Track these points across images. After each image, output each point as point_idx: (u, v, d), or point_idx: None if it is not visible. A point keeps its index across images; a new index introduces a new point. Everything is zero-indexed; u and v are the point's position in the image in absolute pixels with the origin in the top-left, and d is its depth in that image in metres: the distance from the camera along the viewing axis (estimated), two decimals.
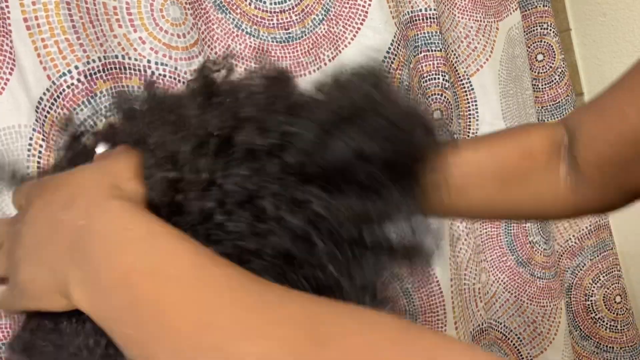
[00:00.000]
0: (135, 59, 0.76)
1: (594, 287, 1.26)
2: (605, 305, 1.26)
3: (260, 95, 0.39)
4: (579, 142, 0.51)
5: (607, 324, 1.26)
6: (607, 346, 1.26)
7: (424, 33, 0.98)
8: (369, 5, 0.91)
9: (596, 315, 1.26)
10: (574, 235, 1.26)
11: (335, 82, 0.42)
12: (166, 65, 0.77)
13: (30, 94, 0.71)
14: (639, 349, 1.27)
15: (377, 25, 0.91)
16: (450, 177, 0.49)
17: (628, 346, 1.26)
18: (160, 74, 0.77)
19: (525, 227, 1.14)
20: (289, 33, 0.89)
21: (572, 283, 1.26)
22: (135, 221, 0.33)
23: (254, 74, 0.42)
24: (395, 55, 0.92)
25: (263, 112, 0.37)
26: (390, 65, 0.92)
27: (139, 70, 0.76)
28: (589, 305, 1.27)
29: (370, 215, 0.37)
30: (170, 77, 0.77)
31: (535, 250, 1.15)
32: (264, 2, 0.88)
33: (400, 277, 0.39)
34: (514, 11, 1.14)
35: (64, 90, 0.70)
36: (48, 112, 0.71)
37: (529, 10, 1.21)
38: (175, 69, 0.77)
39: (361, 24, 0.91)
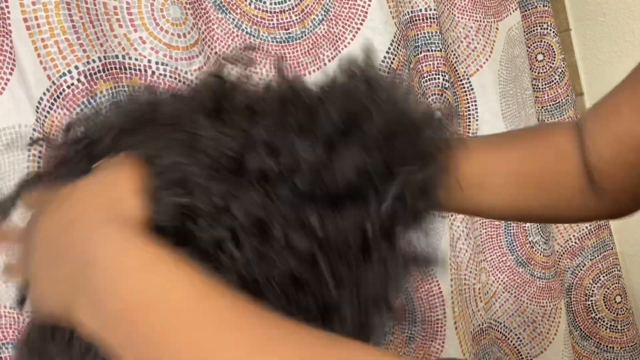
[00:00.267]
0: (136, 59, 0.76)
1: (594, 287, 1.26)
2: (605, 305, 1.26)
3: (273, 111, 0.38)
4: (585, 145, 0.51)
5: (607, 324, 1.26)
6: (607, 346, 1.26)
7: (424, 33, 0.98)
8: (369, 5, 0.91)
9: (596, 315, 1.26)
10: (574, 235, 1.26)
11: (336, 85, 0.42)
12: (166, 65, 0.77)
13: (30, 94, 0.71)
14: (639, 348, 1.27)
15: (377, 25, 0.91)
16: (478, 175, 0.48)
17: (628, 346, 1.26)
18: (160, 74, 0.77)
19: (525, 227, 1.14)
20: (289, 33, 0.89)
21: (572, 283, 1.26)
22: (133, 249, 0.33)
23: (268, 84, 0.41)
24: (395, 55, 0.92)
25: (275, 134, 0.36)
26: (390, 65, 0.92)
27: (140, 70, 0.77)
28: (589, 305, 1.27)
29: (372, 226, 0.37)
30: (170, 77, 0.77)
31: (535, 250, 1.15)
32: (264, 2, 0.88)
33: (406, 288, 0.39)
34: (513, 11, 1.14)
35: (64, 90, 0.70)
36: (48, 112, 0.71)
37: (528, 10, 1.21)
38: (176, 68, 0.77)
39: (361, 24, 0.91)
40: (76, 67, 0.71)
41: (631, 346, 1.26)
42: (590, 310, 1.26)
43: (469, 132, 1.10)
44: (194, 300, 0.31)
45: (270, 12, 0.88)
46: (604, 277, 1.26)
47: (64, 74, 0.70)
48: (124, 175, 0.36)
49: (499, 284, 1.13)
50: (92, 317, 0.32)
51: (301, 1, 0.89)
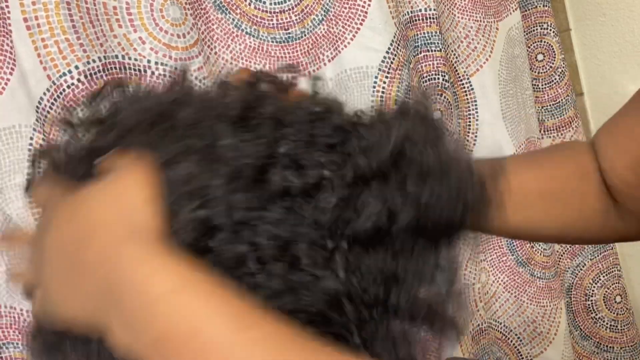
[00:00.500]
0: (135, 59, 0.76)
1: (594, 287, 1.26)
2: (605, 305, 1.26)
3: (302, 125, 0.36)
4: (602, 168, 0.50)
5: (607, 323, 1.26)
6: (607, 346, 1.26)
7: (424, 33, 0.98)
8: (369, 5, 0.91)
9: (596, 315, 1.26)
10: None
11: (379, 119, 0.39)
12: (166, 65, 0.77)
13: (30, 94, 0.71)
14: (639, 349, 1.27)
15: (377, 25, 0.91)
16: (518, 193, 0.48)
17: (628, 346, 1.26)
18: (160, 74, 0.77)
19: None
20: (289, 33, 0.89)
21: (572, 283, 1.26)
22: (163, 271, 0.31)
23: (304, 98, 0.39)
24: (395, 55, 0.92)
25: (302, 149, 0.35)
26: (390, 66, 0.92)
27: (139, 70, 0.77)
28: (589, 305, 1.27)
29: (399, 277, 0.35)
30: (170, 77, 0.77)
31: (535, 250, 1.15)
32: (264, 3, 0.88)
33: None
34: (513, 11, 1.14)
35: (64, 90, 0.70)
36: (48, 112, 0.71)
37: (529, 10, 1.21)
38: (175, 69, 0.77)
39: (361, 24, 0.91)
40: (76, 67, 0.71)
41: (631, 346, 1.26)
42: (590, 310, 1.26)
43: (469, 132, 1.10)
44: (234, 331, 0.30)
45: (270, 12, 0.88)
46: (604, 277, 1.26)
47: (64, 74, 0.70)
48: (136, 179, 0.34)
49: (499, 284, 1.13)
50: (127, 341, 0.31)
51: (301, 1, 0.89)
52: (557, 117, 1.23)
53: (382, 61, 0.92)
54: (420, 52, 0.98)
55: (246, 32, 0.87)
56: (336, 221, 0.34)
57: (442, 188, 0.37)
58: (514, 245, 1.14)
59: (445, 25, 1.06)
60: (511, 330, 1.14)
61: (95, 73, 0.72)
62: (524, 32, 1.17)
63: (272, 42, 0.88)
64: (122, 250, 0.32)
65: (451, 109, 1.02)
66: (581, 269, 1.26)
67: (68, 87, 0.70)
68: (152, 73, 0.77)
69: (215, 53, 0.84)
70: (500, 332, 1.14)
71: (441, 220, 0.37)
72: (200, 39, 0.81)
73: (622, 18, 1.26)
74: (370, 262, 0.35)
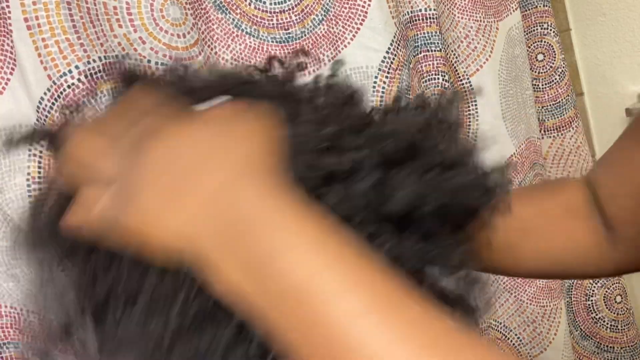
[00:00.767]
0: (136, 59, 0.76)
1: (594, 287, 1.26)
2: (605, 305, 1.26)
3: (333, 108, 0.37)
4: (602, 199, 0.50)
5: (607, 323, 1.26)
6: (607, 346, 1.26)
7: (424, 33, 0.98)
8: (369, 5, 0.91)
9: (596, 315, 1.26)
10: None
11: (398, 110, 0.41)
12: (166, 65, 0.77)
13: (31, 94, 0.71)
14: (639, 349, 1.27)
15: (377, 25, 0.91)
16: (498, 232, 0.47)
17: (628, 346, 1.26)
18: (160, 74, 0.77)
19: None
20: (289, 33, 0.89)
21: (573, 283, 1.26)
22: (297, 218, 0.30)
23: (321, 80, 0.41)
24: (395, 55, 0.92)
25: (339, 132, 0.36)
26: (390, 66, 0.92)
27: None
28: (589, 305, 1.26)
29: (428, 260, 0.36)
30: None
31: None
32: (264, 3, 0.88)
33: None
34: (514, 11, 1.15)
35: (64, 90, 0.71)
36: (49, 112, 0.71)
37: (529, 10, 1.21)
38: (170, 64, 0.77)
39: (361, 24, 0.91)
40: (77, 67, 0.71)
41: (631, 346, 1.26)
42: (591, 310, 1.26)
43: (469, 132, 1.10)
44: (373, 294, 0.29)
45: (270, 12, 0.88)
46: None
47: (65, 74, 0.70)
48: (265, 125, 0.33)
49: (499, 284, 1.13)
50: (238, 281, 0.30)
51: (301, 1, 0.89)
52: (557, 117, 1.23)
53: (382, 61, 0.92)
54: (420, 52, 0.99)
55: (246, 32, 0.87)
56: (368, 204, 0.34)
57: (467, 174, 0.38)
58: None
59: (445, 25, 1.06)
60: (511, 330, 1.14)
61: (95, 73, 0.72)
62: (524, 32, 1.18)
63: (272, 42, 0.88)
64: (246, 186, 0.31)
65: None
66: None
67: (68, 87, 0.70)
68: (152, 73, 0.77)
69: (216, 53, 0.85)
70: (500, 332, 1.14)
71: (466, 205, 0.38)
72: (201, 39, 0.81)
73: (622, 18, 1.26)
74: (401, 245, 0.35)
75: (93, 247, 0.34)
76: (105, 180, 0.34)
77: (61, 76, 0.70)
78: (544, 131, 1.24)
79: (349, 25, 0.91)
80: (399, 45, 0.93)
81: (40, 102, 0.71)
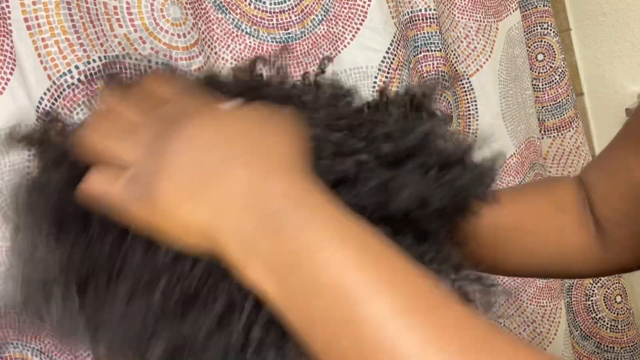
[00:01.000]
0: (136, 59, 0.76)
1: (594, 287, 1.26)
2: (605, 305, 1.26)
3: (326, 109, 0.37)
4: (593, 200, 0.51)
5: (607, 323, 1.26)
6: (607, 346, 1.26)
7: (424, 33, 0.98)
8: (369, 5, 0.91)
9: (597, 315, 1.26)
10: None
11: (386, 103, 0.41)
12: (166, 65, 0.77)
13: (30, 94, 0.71)
14: (639, 349, 1.27)
15: (377, 25, 0.91)
16: (489, 229, 0.48)
17: (628, 346, 1.26)
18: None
19: None
20: (289, 33, 0.89)
21: (573, 283, 1.26)
22: (332, 217, 0.30)
23: (309, 79, 0.40)
24: (395, 55, 0.92)
25: (337, 134, 0.36)
26: (390, 66, 0.92)
27: (139, 71, 0.77)
28: (589, 305, 1.26)
29: (425, 263, 0.36)
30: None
31: None
32: (264, 3, 0.88)
33: None
34: (514, 11, 1.15)
35: (64, 90, 0.71)
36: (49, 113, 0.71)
37: (529, 10, 1.21)
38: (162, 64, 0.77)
39: (360, 24, 0.91)
40: (77, 67, 0.71)
41: (631, 346, 1.26)
42: (591, 310, 1.26)
43: (469, 132, 1.10)
44: (407, 295, 0.28)
45: (270, 12, 0.88)
46: (604, 277, 1.26)
47: (65, 74, 0.70)
48: (294, 132, 0.33)
49: (499, 284, 1.13)
50: (269, 280, 0.29)
51: (301, 1, 0.89)
52: (557, 117, 1.23)
53: (382, 61, 0.92)
54: (420, 52, 0.99)
55: (246, 32, 0.87)
56: (369, 206, 0.34)
57: (467, 173, 0.38)
58: None
59: (445, 25, 1.06)
60: (511, 330, 1.14)
61: (95, 73, 0.72)
62: (524, 32, 1.18)
63: (272, 42, 0.88)
64: (276, 183, 0.31)
65: (451, 109, 1.02)
66: None
67: (68, 87, 0.70)
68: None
69: (216, 53, 0.85)
70: None
71: (466, 203, 0.38)
72: (201, 39, 0.81)
73: (622, 18, 1.26)
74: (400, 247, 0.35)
75: (89, 220, 0.34)
76: (123, 164, 0.33)
77: (61, 76, 0.70)
78: (544, 131, 1.24)
79: (348, 26, 0.91)
80: (398, 45, 0.93)
81: (40, 102, 0.71)
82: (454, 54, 1.08)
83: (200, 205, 0.31)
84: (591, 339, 1.27)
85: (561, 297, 1.19)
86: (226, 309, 0.31)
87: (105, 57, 0.74)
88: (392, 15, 0.93)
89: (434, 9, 0.98)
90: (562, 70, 1.22)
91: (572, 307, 1.26)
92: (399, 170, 0.36)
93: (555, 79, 1.22)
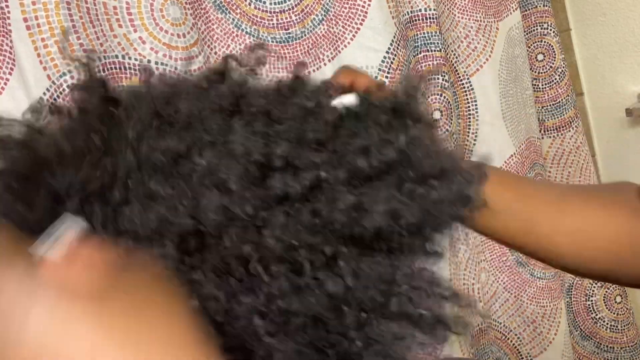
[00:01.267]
0: (136, 59, 0.76)
1: (594, 287, 1.26)
2: (605, 305, 1.26)
3: (292, 121, 0.35)
4: None
5: (607, 324, 1.26)
6: (607, 346, 1.26)
7: (424, 33, 0.98)
8: (369, 5, 0.91)
9: (596, 315, 1.26)
10: None
11: (367, 111, 0.39)
12: (166, 65, 0.77)
13: (30, 94, 0.71)
14: (639, 349, 1.27)
15: (377, 25, 0.91)
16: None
17: (628, 346, 1.26)
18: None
19: None
20: (289, 33, 0.89)
21: (573, 283, 1.26)
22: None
23: (285, 87, 0.38)
24: (395, 55, 0.92)
25: (296, 148, 0.34)
26: (390, 65, 0.92)
27: (139, 70, 0.77)
28: (589, 305, 1.26)
29: (398, 282, 0.34)
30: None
31: None
32: (264, 2, 0.88)
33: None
34: (514, 11, 1.14)
35: (64, 90, 0.70)
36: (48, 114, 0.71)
37: (529, 10, 1.21)
38: (176, 69, 0.77)
39: (361, 24, 0.91)
40: (76, 67, 0.71)
41: (631, 346, 1.26)
42: (591, 310, 1.26)
43: (469, 132, 1.10)
44: None
45: (270, 12, 0.88)
46: None
47: (64, 74, 0.70)
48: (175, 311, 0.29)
49: (499, 284, 1.13)
50: None
51: (301, 1, 0.89)
52: (557, 117, 1.23)
53: (382, 61, 0.92)
54: (420, 52, 0.98)
55: (246, 32, 0.87)
56: (337, 224, 0.33)
57: (445, 190, 0.37)
58: None
59: (445, 25, 1.06)
60: (511, 330, 1.14)
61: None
62: (524, 32, 1.17)
63: (272, 42, 0.88)
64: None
65: (451, 109, 1.02)
66: None
67: (68, 87, 0.70)
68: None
69: (216, 53, 0.84)
70: (500, 332, 1.14)
71: (442, 220, 0.37)
72: (201, 38, 0.81)
73: (622, 18, 1.26)
74: (371, 266, 0.34)
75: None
76: None
77: (60, 76, 0.70)
78: (544, 131, 1.24)
79: (349, 25, 0.91)
80: (399, 45, 0.93)
81: (39, 103, 0.71)
82: (454, 54, 1.08)
83: None
84: (591, 339, 1.27)
85: (561, 297, 1.19)
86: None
87: (105, 57, 0.73)
88: (392, 15, 0.93)
89: (434, 9, 0.98)
90: (562, 70, 1.22)
91: (572, 307, 1.26)
92: (372, 186, 0.34)
93: (555, 79, 1.22)
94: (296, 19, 0.89)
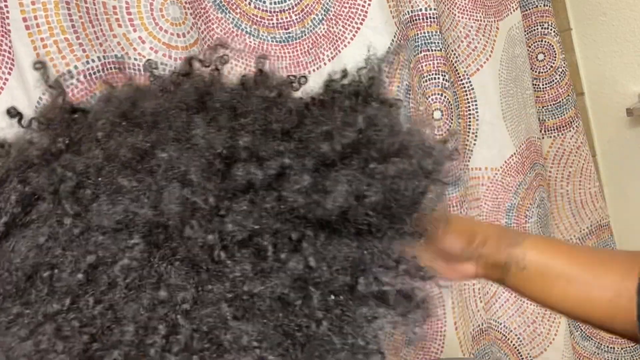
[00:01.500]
0: (135, 59, 0.76)
1: None
2: None
3: (257, 113, 0.36)
4: None
5: None
6: (607, 346, 1.26)
7: (424, 33, 0.98)
8: (369, 5, 0.91)
9: None
10: (574, 236, 1.26)
11: (332, 99, 0.40)
12: (166, 65, 0.77)
13: (29, 94, 0.70)
14: (639, 349, 1.27)
15: (377, 25, 0.91)
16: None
17: (629, 346, 1.26)
18: (159, 74, 0.77)
19: (525, 227, 1.14)
20: (289, 33, 0.89)
21: None
22: None
23: (249, 81, 0.39)
24: (395, 55, 0.92)
25: (260, 139, 0.35)
26: (390, 65, 0.92)
27: (139, 70, 0.76)
28: None
29: (366, 263, 0.35)
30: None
31: None
32: (264, 2, 0.87)
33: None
34: (514, 11, 1.14)
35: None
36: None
37: (529, 9, 1.21)
38: (175, 68, 0.77)
39: (361, 23, 0.91)
40: (75, 67, 0.70)
41: (631, 346, 1.26)
42: None
43: (469, 132, 1.10)
44: None
45: (270, 12, 0.88)
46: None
47: (63, 74, 0.70)
48: None
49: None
50: None
51: (301, 1, 0.89)
52: (558, 117, 1.23)
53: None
54: (421, 52, 0.98)
55: (246, 32, 0.87)
56: (302, 208, 0.34)
57: (404, 164, 0.37)
58: None
59: (445, 24, 1.06)
60: (511, 331, 1.14)
61: (94, 73, 0.72)
62: (525, 31, 1.17)
63: (272, 41, 0.88)
64: None
65: (451, 108, 1.01)
66: None
67: (67, 87, 0.70)
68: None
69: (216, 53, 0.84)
70: (501, 332, 1.14)
71: (406, 197, 0.37)
72: (200, 38, 0.81)
73: (622, 18, 1.26)
74: (338, 248, 0.34)
75: None
76: None
77: (60, 76, 0.70)
78: (545, 131, 1.24)
79: (349, 25, 0.91)
80: (399, 44, 0.93)
81: (38, 102, 0.71)
82: (454, 54, 1.07)
83: None
84: (591, 339, 1.27)
85: None
86: None
87: (104, 57, 0.73)
88: (392, 14, 0.93)
89: (435, 9, 0.98)
90: (563, 70, 1.22)
91: None
92: (331, 169, 0.35)
93: (556, 78, 1.22)
94: (296, 19, 0.89)
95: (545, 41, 1.22)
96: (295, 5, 0.89)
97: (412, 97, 0.95)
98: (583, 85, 1.35)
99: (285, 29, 0.89)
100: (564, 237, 1.25)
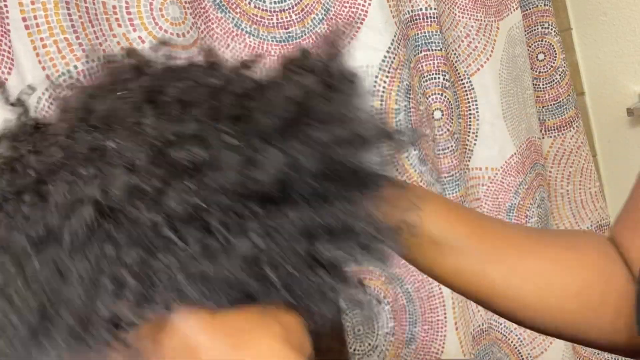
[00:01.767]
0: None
1: None
2: None
3: (204, 101, 0.38)
4: (628, 260, 0.47)
5: None
6: None
7: (424, 32, 0.98)
8: (369, 4, 0.90)
9: None
10: None
11: (282, 74, 0.41)
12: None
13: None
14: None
15: (377, 24, 0.91)
16: (506, 280, 0.46)
17: None
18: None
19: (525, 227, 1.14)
20: (289, 32, 0.89)
21: None
22: None
23: (197, 69, 0.41)
24: (395, 54, 0.92)
25: (206, 126, 0.36)
26: (391, 65, 0.92)
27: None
28: None
29: (319, 230, 0.36)
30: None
31: None
32: (264, 2, 0.87)
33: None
34: (514, 10, 1.14)
35: (63, 90, 0.70)
36: (47, 112, 0.71)
37: (529, 9, 1.21)
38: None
39: (361, 23, 0.91)
40: (75, 67, 0.70)
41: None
42: None
43: (469, 132, 1.09)
44: None
45: (270, 11, 0.88)
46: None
47: (63, 74, 0.70)
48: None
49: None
50: None
51: (301, 0, 0.89)
52: (558, 117, 1.23)
53: (383, 60, 0.92)
54: (421, 52, 0.98)
55: (246, 32, 0.87)
56: (238, 184, 0.35)
57: (342, 129, 0.38)
58: None
59: (445, 24, 1.06)
60: (511, 331, 1.14)
61: (94, 73, 0.72)
62: (525, 31, 1.17)
63: (272, 41, 0.88)
64: None
65: (451, 108, 1.01)
66: None
67: (67, 87, 0.70)
68: None
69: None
70: (501, 332, 1.13)
71: (347, 162, 0.38)
72: (200, 38, 0.81)
73: (623, 17, 1.26)
74: (289, 219, 0.35)
75: None
76: None
77: (60, 76, 0.70)
78: (545, 131, 1.24)
79: (349, 25, 0.91)
80: (399, 44, 0.93)
81: (38, 103, 0.71)
82: (455, 54, 1.07)
83: None
84: None
85: None
86: None
87: (104, 57, 0.73)
88: (392, 14, 0.93)
89: (435, 8, 0.97)
90: (563, 70, 1.22)
91: None
92: (269, 142, 0.36)
93: (556, 78, 1.22)
94: (296, 18, 0.89)
95: (545, 41, 1.22)
96: (295, 5, 0.89)
97: (412, 96, 0.95)
98: (583, 85, 1.35)
99: (285, 29, 0.89)
100: None
